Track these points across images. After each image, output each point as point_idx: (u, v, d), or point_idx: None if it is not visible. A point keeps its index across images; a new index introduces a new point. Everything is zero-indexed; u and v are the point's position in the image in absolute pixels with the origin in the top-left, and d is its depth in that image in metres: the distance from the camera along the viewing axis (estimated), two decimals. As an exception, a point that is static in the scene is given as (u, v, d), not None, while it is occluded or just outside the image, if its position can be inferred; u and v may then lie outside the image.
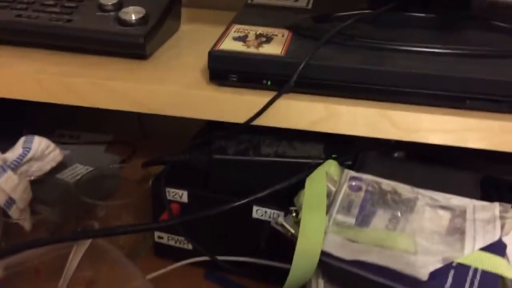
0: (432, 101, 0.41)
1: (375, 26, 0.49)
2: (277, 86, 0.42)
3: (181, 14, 0.58)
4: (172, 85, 0.44)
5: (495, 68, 0.41)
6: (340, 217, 0.37)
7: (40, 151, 0.49)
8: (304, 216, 0.36)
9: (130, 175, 0.57)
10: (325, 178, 0.40)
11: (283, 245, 0.40)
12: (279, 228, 0.38)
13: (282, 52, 0.43)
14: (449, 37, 0.48)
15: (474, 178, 0.43)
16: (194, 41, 0.55)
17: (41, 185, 0.50)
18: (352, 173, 0.41)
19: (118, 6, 0.50)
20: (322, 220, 0.35)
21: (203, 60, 0.44)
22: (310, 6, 0.55)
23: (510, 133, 0.40)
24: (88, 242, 0.43)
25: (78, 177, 0.54)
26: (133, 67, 0.47)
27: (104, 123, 0.70)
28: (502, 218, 0.36)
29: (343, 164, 0.45)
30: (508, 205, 0.38)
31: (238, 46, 0.44)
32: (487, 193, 0.48)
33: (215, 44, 0.44)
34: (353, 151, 0.46)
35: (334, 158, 0.45)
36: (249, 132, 0.46)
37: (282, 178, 0.44)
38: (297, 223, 0.37)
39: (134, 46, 0.47)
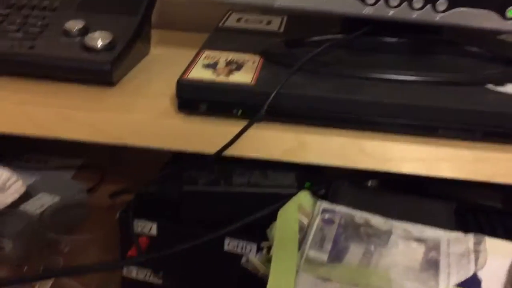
0: (405, 130, 0.41)
1: (347, 51, 0.49)
2: (248, 115, 0.41)
3: (152, 37, 0.57)
4: (139, 114, 0.43)
5: (467, 96, 0.41)
6: (313, 253, 0.36)
7: (1, 183, 0.46)
8: (275, 255, 0.35)
9: (98, 203, 0.55)
10: (297, 212, 0.39)
11: (256, 280, 0.39)
12: (249, 266, 0.36)
13: (253, 80, 0.42)
14: (422, 63, 0.47)
15: (448, 207, 0.42)
16: (164, 65, 0.53)
17: (2, 218, 0.48)
18: (325, 204, 0.41)
19: (84, 31, 0.48)
20: (294, 259, 0.34)
21: (173, 86, 0.42)
22: (282, 29, 0.55)
23: (482, 161, 0.40)
24: (51, 280, 0.41)
25: (44, 207, 0.51)
26: (100, 94, 0.46)
27: (73, 146, 0.67)
28: (476, 251, 0.36)
29: (316, 193, 0.44)
30: (482, 237, 0.38)
31: (208, 75, 0.42)
32: (464, 219, 0.47)
33: (184, 72, 0.43)
34: (327, 180, 0.46)
35: (307, 187, 0.44)
36: (221, 162, 0.45)
37: (255, 209, 0.43)
38: (269, 260, 0.36)
39: (100, 73, 0.45)
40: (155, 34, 0.58)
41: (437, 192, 0.48)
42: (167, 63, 0.54)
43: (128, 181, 0.61)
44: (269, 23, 0.56)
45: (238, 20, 0.57)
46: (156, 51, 0.57)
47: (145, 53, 0.55)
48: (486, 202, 0.50)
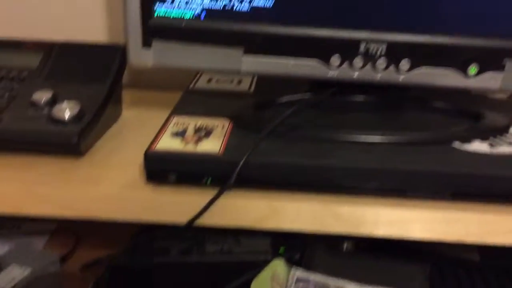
0: (375, 193, 0.41)
1: (316, 111, 0.49)
2: (218, 183, 0.41)
3: (123, 98, 0.56)
4: (107, 186, 0.42)
5: (434, 157, 0.41)
6: (286, 330, 0.35)
7: (-33, 262, 0.45)
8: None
9: (72, 271, 0.54)
10: (270, 283, 0.38)
11: None
12: None
13: (221, 149, 0.42)
14: (390, 122, 0.48)
15: (422, 270, 0.42)
16: (135, 130, 0.53)
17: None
18: (299, 273, 0.40)
19: (52, 101, 0.48)
20: None
21: (142, 155, 0.42)
22: (252, 89, 0.55)
23: (453, 222, 0.40)
24: None
25: (14, 281, 0.50)
26: (68, 166, 0.45)
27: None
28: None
29: (291, 259, 0.43)
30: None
31: (176, 144, 0.42)
32: (442, 274, 0.47)
33: (152, 143, 0.43)
34: (302, 244, 0.45)
35: (282, 253, 0.43)
36: (193, 229, 0.44)
37: (230, 277, 0.43)
38: None
39: (67, 146, 0.45)
40: (126, 94, 0.58)
41: (414, 248, 0.48)
42: (138, 127, 0.54)
43: (104, 244, 0.60)
44: (239, 82, 0.57)
45: (209, 80, 0.57)
46: (128, 113, 0.57)
47: (116, 117, 0.55)
48: (463, 256, 0.50)
